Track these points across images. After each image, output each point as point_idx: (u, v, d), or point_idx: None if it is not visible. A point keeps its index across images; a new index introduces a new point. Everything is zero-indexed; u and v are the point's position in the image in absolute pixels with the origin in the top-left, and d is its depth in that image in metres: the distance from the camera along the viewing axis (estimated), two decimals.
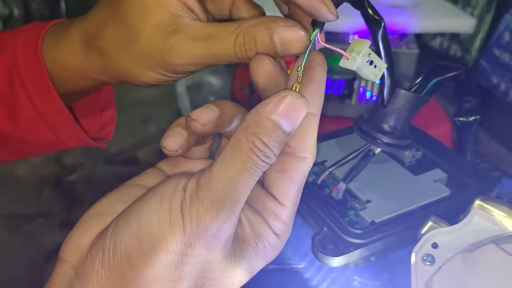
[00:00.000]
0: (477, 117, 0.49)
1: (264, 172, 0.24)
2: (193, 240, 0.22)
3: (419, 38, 0.80)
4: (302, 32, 0.27)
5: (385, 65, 0.31)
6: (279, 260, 0.31)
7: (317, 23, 0.28)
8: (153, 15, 0.30)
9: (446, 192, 0.46)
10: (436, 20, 0.71)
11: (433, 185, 0.47)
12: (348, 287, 0.43)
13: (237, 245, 0.24)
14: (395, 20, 0.66)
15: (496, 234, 0.36)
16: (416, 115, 0.42)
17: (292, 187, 0.25)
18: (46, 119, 0.38)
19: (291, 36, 0.27)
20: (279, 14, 0.31)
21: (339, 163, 0.46)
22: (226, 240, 0.23)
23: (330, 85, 0.70)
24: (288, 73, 0.27)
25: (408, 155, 0.49)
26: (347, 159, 0.46)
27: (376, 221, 0.42)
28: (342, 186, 0.44)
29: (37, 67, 0.36)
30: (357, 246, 0.40)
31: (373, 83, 0.69)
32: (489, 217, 0.37)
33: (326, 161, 0.50)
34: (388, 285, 0.42)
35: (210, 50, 0.29)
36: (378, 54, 0.33)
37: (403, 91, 0.40)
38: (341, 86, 0.70)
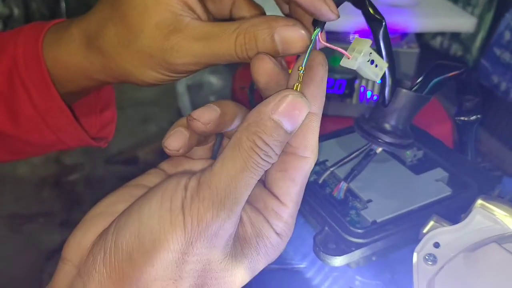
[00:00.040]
0: (478, 116, 0.49)
1: (266, 172, 0.24)
2: (194, 238, 0.22)
3: (420, 37, 0.80)
4: (303, 32, 0.27)
5: (386, 65, 0.31)
6: (281, 259, 0.30)
7: (318, 23, 0.28)
8: (153, 14, 0.30)
9: (447, 191, 0.45)
10: (436, 19, 0.71)
11: (434, 184, 0.46)
12: (349, 286, 0.42)
13: (239, 244, 0.24)
14: (396, 20, 0.66)
15: (498, 234, 0.36)
16: (417, 115, 0.42)
17: (293, 187, 0.25)
18: (47, 119, 0.38)
19: (292, 36, 0.27)
20: (280, 14, 0.31)
21: (340, 163, 0.46)
22: (227, 239, 0.23)
23: (331, 85, 0.70)
24: (289, 72, 0.27)
25: (409, 155, 0.49)
26: (348, 158, 0.46)
27: (378, 220, 0.42)
28: (343, 185, 0.44)
29: (38, 67, 0.36)
30: (359, 246, 0.40)
31: (374, 82, 0.69)
32: (490, 216, 0.37)
33: (327, 160, 0.50)
34: (390, 285, 0.42)
35: (210, 49, 0.29)
36: (379, 53, 0.33)
37: (404, 90, 0.40)
38: (342, 85, 0.70)
